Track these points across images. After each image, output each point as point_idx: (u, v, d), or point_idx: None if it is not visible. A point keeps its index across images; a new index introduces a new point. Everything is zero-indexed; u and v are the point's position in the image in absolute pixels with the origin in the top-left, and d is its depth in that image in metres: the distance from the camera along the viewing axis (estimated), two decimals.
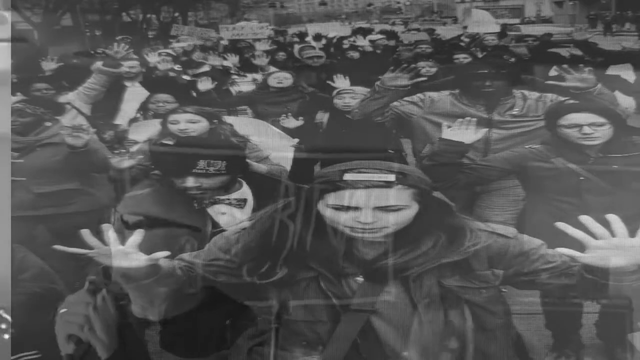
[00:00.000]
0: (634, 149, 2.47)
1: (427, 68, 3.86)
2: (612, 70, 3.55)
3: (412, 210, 1.67)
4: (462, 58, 4.33)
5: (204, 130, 2.83)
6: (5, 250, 2.20)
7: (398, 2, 5.71)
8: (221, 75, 4.39)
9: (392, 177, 1.65)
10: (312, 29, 5.45)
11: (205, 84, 3.97)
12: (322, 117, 3.56)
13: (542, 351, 2.31)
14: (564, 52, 4.38)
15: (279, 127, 3.47)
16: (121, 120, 3.53)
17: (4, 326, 2.04)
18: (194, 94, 3.94)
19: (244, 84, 4.29)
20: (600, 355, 2.39)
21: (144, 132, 3.09)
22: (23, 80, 3.58)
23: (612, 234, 1.59)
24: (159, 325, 1.84)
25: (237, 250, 1.76)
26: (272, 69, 4.41)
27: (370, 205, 1.63)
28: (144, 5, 5.51)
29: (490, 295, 1.72)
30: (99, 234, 1.69)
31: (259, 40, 5.06)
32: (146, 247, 1.69)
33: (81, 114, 3.48)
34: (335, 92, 3.50)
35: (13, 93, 3.06)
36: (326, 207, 1.67)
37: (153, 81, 4.09)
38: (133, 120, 3.44)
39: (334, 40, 5.35)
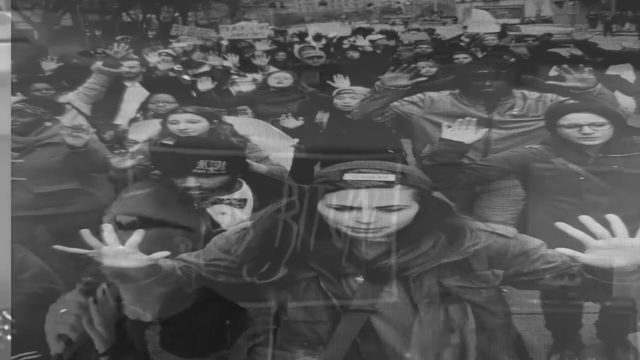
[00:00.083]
0: (634, 149, 2.47)
1: (427, 68, 3.85)
2: (612, 70, 3.55)
3: (412, 210, 1.67)
4: (462, 58, 4.32)
5: (204, 130, 2.83)
6: (5, 250, 2.20)
7: (398, 2, 5.71)
8: (221, 75, 4.39)
9: (392, 177, 1.65)
10: (312, 29, 5.45)
11: (205, 84, 3.97)
12: (322, 117, 3.56)
13: (542, 351, 2.31)
14: (564, 52, 4.38)
15: (279, 127, 3.46)
16: (121, 120, 3.53)
17: (6, 327, 2.04)
18: (194, 94, 3.94)
19: (244, 84, 4.28)
20: (601, 355, 2.39)
21: (144, 132, 3.09)
22: (23, 80, 3.57)
23: (612, 234, 1.59)
24: (158, 325, 1.85)
25: (237, 250, 1.76)
26: (272, 69, 4.41)
27: (370, 205, 1.63)
28: (144, 5, 5.50)
29: (490, 295, 1.72)
30: (99, 234, 1.69)
31: (259, 40, 5.06)
32: (140, 248, 1.69)
33: (81, 114, 3.48)
34: (335, 92, 3.50)
35: (13, 93, 3.06)
36: (327, 207, 1.67)
37: (153, 81, 4.09)
38: (133, 120, 3.44)
39: (334, 40, 5.35)
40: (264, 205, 1.87)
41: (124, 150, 2.91)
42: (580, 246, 1.61)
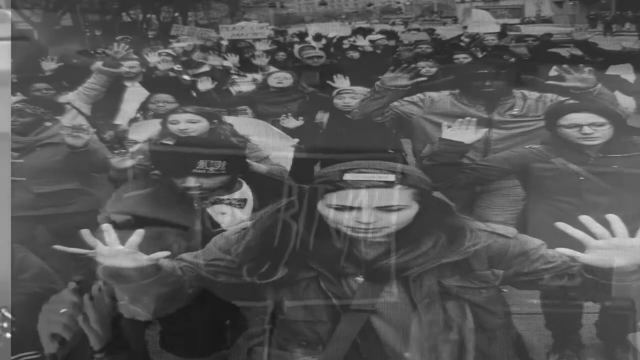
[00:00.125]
0: (634, 149, 2.47)
1: (427, 68, 3.85)
2: (612, 70, 3.55)
3: (412, 210, 1.67)
4: (462, 58, 4.32)
5: (204, 130, 2.83)
6: (5, 250, 2.20)
7: (398, 2, 5.71)
8: (221, 75, 4.39)
9: (392, 177, 1.65)
10: (312, 29, 5.45)
11: (205, 84, 3.97)
12: (322, 117, 3.56)
13: (542, 351, 2.31)
14: (564, 52, 4.38)
15: (279, 127, 3.46)
16: (121, 120, 3.53)
17: (5, 325, 2.04)
18: (194, 94, 3.94)
19: (244, 84, 4.29)
20: (601, 356, 2.39)
21: (144, 132, 3.09)
22: (23, 80, 3.58)
23: (612, 234, 1.59)
24: (158, 325, 1.85)
25: (237, 250, 1.76)
26: (272, 69, 4.41)
27: (370, 205, 1.63)
28: (144, 5, 5.50)
29: (490, 295, 1.72)
30: (99, 234, 1.69)
31: (259, 40, 5.06)
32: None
33: (81, 114, 3.48)
34: (335, 92, 3.50)
35: (13, 93, 3.06)
36: (327, 207, 1.67)
37: (153, 81, 4.09)
38: (133, 120, 3.44)
39: (334, 40, 5.35)
40: (264, 205, 1.87)
41: (124, 150, 2.91)
42: (580, 246, 1.61)
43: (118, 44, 3.86)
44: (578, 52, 4.33)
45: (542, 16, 5.44)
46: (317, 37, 5.36)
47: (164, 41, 5.07)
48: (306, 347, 1.71)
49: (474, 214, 2.84)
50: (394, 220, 1.65)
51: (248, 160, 2.55)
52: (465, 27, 5.34)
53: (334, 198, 1.66)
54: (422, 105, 3.02)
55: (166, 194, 2.24)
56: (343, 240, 1.68)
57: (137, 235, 1.69)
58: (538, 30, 5.11)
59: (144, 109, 3.48)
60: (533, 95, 2.94)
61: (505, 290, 1.80)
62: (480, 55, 4.63)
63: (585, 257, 1.60)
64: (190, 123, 2.82)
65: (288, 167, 2.88)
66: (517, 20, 5.41)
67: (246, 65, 4.65)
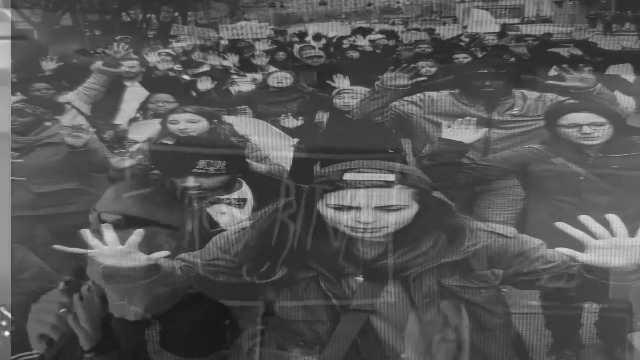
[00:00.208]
0: (634, 149, 2.47)
1: (427, 68, 3.85)
2: (612, 70, 3.55)
3: (412, 210, 1.67)
4: (462, 58, 4.32)
5: (204, 130, 2.83)
6: (5, 250, 2.20)
7: (398, 2, 5.71)
8: (221, 75, 4.39)
9: (392, 177, 1.65)
10: (312, 29, 5.45)
11: (205, 84, 3.97)
12: (322, 117, 3.56)
13: (542, 351, 2.31)
14: (564, 52, 4.38)
15: (279, 127, 3.46)
16: (121, 120, 3.53)
17: (4, 323, 2.04)
18: (194, 94, 3.94)
19: (244, 84, 4.29)
20: (601, 356, 2.39)
21: (144, 132, 3.09)
22: (23, 80, 3.58)
23: (612, 234, 1.59)
24: (157, 325, 1.84)
25: (237, 250, 1.76)
26: (272, 69, 4.41)
27: (370, 205, 1.63)
28: (144, 5, 5.50)
29: (490, 295, 1.72)
30: (98, 234, 1.69)
31: (259, 40, 5.06)
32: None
33: (81, 114, 3.48)
34: (335, 92, 3.50)
35: (13, 93, 3.06)
36: (326, 207, 1.67)
37: (153, 81, 4.09)
38: (133, 120, 3.44)
39: (334, 40, 5.35)
40: (264, 205, 1.87)
41: (124, 150, 2.91)
42: (580, 246, 1.61)
43: (118, 44, 3.86)
44: (578, 52, 4.33)
45: (542, 16, 5.44)
46: (317, 37, 5.36)
47: (164, 41, 5.07)
48: (303, 347, 1.71)
49: (474, 214, 2.83)
50: (394, 220, 1.65)
51: (248, 161, 2.54)
52: (465, 27, 5.34)
53: (334, 198, 1.66)
54: (422, 105, 3.02)
55: (159, 194, 2.24)
56: (341, 240, 1.68)
57: (138, 235, 1.69)
58: (538, 30, 5.10)
59: (144, 109, 3.48)
60: (533, 95, 2.94)
61: (505, 290, 1.80)
62: (480, 55, 4.63)
63: (585, 257, 1.60)
64: (190, 123, 2.82)
65: (288, 167, 2.88)
66: (517, 20, 5.41)
67: (246, 65, 4.65)
